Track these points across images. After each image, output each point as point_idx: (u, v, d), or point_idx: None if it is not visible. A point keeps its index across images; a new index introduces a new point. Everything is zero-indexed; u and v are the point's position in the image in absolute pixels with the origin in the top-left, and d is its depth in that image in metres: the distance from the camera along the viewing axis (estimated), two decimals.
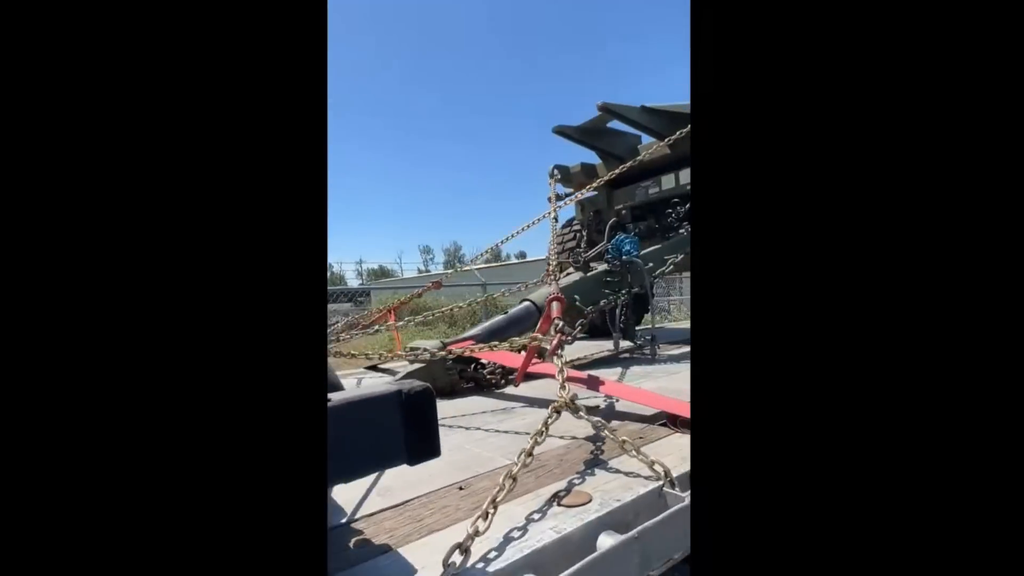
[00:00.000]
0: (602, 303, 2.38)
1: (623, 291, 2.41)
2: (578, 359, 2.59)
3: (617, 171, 2.46)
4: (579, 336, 2.56)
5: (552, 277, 1.73)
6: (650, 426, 1.25)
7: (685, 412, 1.19)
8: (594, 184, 2.58)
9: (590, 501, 0.84)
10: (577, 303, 2.37)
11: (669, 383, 1.84)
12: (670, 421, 1.23)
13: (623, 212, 3.27)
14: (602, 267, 2.52)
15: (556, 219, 2.49)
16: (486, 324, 2.19)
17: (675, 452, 1.06)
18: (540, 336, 1.25)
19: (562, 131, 3.02)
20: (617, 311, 2.45)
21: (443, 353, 1.72)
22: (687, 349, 2.81)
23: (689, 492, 0.84)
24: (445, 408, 1.68)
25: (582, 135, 3.04)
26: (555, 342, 1.23)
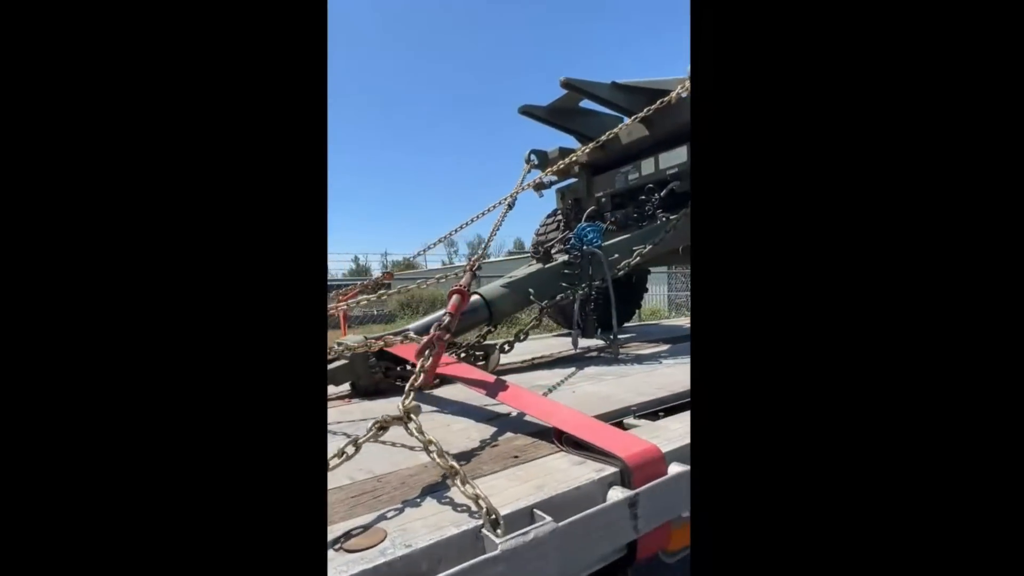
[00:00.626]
0: (558, 297, 2.19)
1: (583, 284, 2.21)
2: (539, 358, 2.41)
3: (580, 151, 2.26)
4: (533, 334, 2.35)
5: (469, 267, 1.56)
6: (538, 442, 1.08)
7: (570, 428, 1.02)
8: (554, 167, 2.38)
9: (382, 542, 0.68)
10: (531, 297, 2.20)
11: (610, 388, 1.65)
12: (556, 437, 1.05)
13: (602, 200, 3.05)
14: (564, 258, 2.33)
15: (511, 206, 2.31)
16: (425, 319, 2.04)
17: (538, 477, 0.89)
18: (414, 335, 1.09)
19: (529, 111, 2.80)
20: (576, 306, 2.25)
21: (357, 349, 1.58)
22: (661, 348, 2.60)
23: (505, 540, 0.67)
24: (352, 411, 1.54)
25: (551, 116, 2.81)
26: (424, 340, 1.07)
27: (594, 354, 2.51)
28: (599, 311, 2.53)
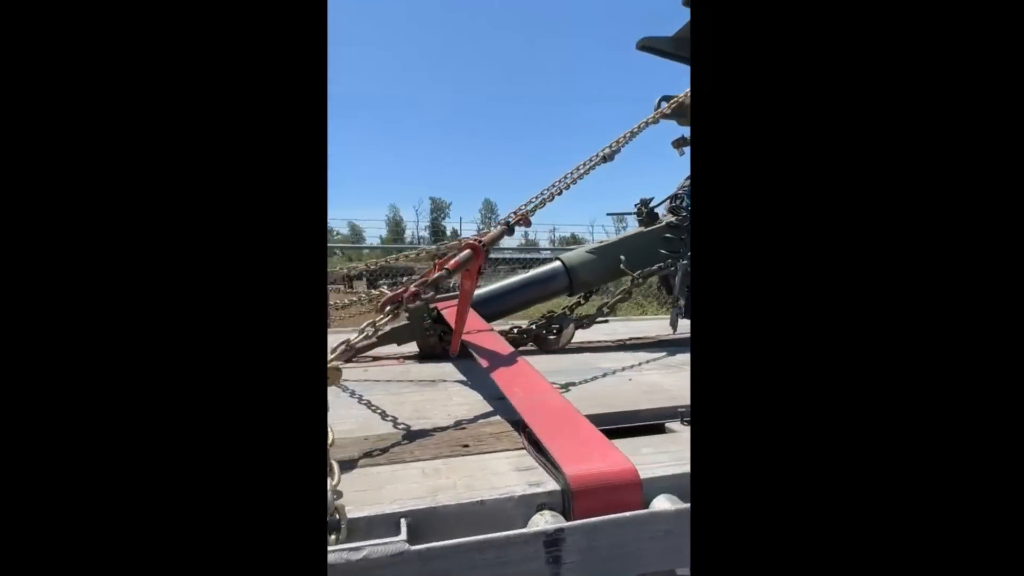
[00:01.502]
0: (655, 267, 1.83)
1: (688, 252, 1.80)
2: (635, 338, 2.09)
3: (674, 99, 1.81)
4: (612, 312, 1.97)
5: (506, 221, 1.35)
6: (512, 434, 0.86)
7: (533, 423, 0.78)
8: (673, 102, 1.93)
9: None
10: (622, 266, 1.88)
11: (681, 381, 1.29)
12: (521, 431, 0.82)
13: None
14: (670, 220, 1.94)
15: (606, 158, 1.99)
16: (497, 284, 1.90)
17: (456, 477, 0.69)
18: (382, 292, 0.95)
19: (650, 46, 2.33)
20: (677, 279, 1.84)
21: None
22: None
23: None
24: (391, 371, 1.50)
25: (678, 48, 2.31)
26: (390, 295, 0.92)
27: None
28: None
